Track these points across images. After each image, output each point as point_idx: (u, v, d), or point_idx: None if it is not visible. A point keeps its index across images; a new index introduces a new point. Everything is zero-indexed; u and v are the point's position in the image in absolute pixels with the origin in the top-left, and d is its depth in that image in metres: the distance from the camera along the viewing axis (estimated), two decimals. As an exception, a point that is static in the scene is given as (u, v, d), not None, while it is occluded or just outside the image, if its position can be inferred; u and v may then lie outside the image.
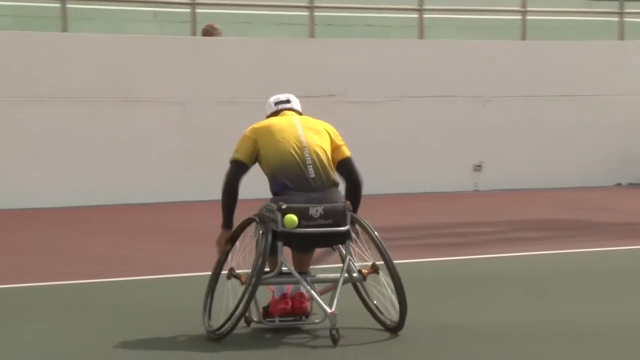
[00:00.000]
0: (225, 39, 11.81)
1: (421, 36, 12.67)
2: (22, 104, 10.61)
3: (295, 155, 4.92)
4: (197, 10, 11.76)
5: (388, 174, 11.89)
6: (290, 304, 4.97)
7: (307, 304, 5.02)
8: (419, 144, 12.28)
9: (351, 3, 13.20)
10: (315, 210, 4.81)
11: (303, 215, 4.77)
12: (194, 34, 11.63)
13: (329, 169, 4.96)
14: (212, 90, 11.45)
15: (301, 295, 4.98)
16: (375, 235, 4.92)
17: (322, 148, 4.97)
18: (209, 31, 11.92)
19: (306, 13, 12.25)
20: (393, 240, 9.67)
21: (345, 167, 5.03)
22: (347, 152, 5.04)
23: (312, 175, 4.91)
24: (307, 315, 5.01)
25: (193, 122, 11.68)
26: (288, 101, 5.20)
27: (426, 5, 12.70)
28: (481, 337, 5.37)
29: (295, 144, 4.95)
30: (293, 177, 4.90)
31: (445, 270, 7.99)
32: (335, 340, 4.65)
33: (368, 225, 4.92)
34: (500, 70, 12.81)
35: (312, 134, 5.01)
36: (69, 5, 11.13)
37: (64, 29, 11.06)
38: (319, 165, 4.93)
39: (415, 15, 12.89)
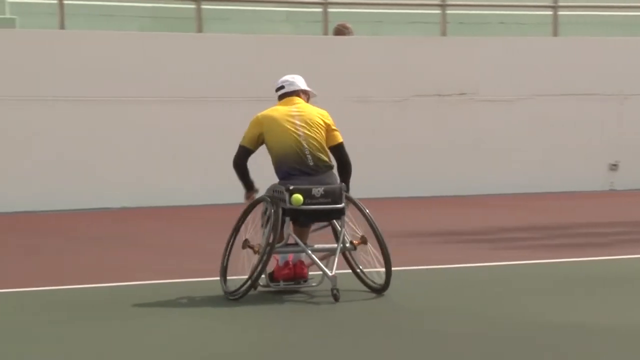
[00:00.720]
0: (356, 38, 11.70)
1: (555, 33, 12.26)
2: (158, 103, 10.71)
3: (295, 147, 5.82)
4: (330, 10, 11.69)
5: (519, 172, 11.58)
6: (292, 270, 5.83)
7: (306, 270, 5.88)
8: (553, 142, 11.84)
9: (484, 1, 12.88)
10: (317, 190, 5.70)
11: (307, 194, 5.65)
12: (326, 33, 11.56)
13: (324, 155, 5.88)
14: (344, 89, 11.36)
15: (301, 262, 5.85)
16: (367, 212, 5.82)
17: (316, 139, 5.86)
18: (341, 30, 11.83)
19: (438, 11, 12.01)
20: (529, 240, 9.51)
21: (337, 151, 5.96)
22: (339, 138, 5.96)
23: (311, 163, 5.83)
24: (305, 279, 5.89)
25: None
26: (286, 85, 6.16)
27: (561, 2, 12.32)
28: (626, 341, 5.15)
29: (294, 137, 5.83)
30: (295, 166, 5.81)
31: (585, 271, 7.67)
32: (336, 298, 5.52)
33: (359, 203, 5.82)
34: (637, 66, 12.31)
35: (307, 126, 5.87)
36: (204, 7, 11.20)
37: (199, 29, 11.11)
38: (315, 153, 5.84)
39: (550, 13, 12.50)
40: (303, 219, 5.81)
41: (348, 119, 11.56)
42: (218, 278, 6.00)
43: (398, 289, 6.03)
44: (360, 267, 5.93)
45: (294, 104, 6.05)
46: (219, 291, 6.01)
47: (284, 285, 5.85)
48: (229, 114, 10.73)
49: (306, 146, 5.84)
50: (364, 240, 5.83)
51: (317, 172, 5.84)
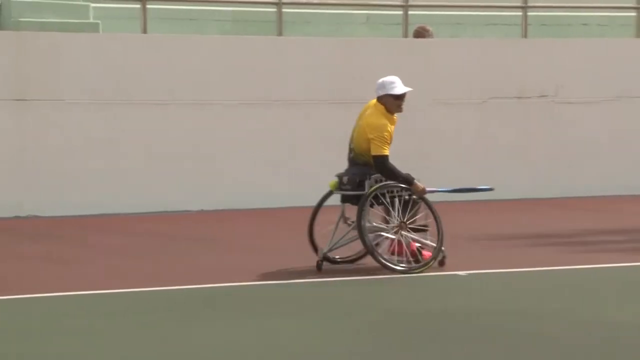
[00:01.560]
0: (437, 41, 11.55)
1: (638, 35, 12.02)
2: (239, 106, 10.74)
3: (349, 142, 7.13)
4: (410, 12, 11.57)
5: (600, 174, 11.37)
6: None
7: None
8: (636, 144, 11.69)
9: (566, 2, 12.58)
10: (343, 178, 6.97)
11: (339, 181, 7.00)
12: (406, 35, 11.46)
13: (361, 153, 6.96)
14: (425, 91, 11.05)
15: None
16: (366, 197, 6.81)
17: (358, 139, 6.98)
18: (420, 33, 11.67)
19: (519, 13, 11.83)
20: (619, 242, 9.21)
21: (370, 155, 6.89)
22: (374, 150, 6.83)
23: (351, 155, 7.09)
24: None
25: (407, 123, 11.17)
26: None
27: (643, 4, 11.97)
28: None
29: (352, 134, 7.11)
30: (348, 157, 7.14)
31: None
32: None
33: (366, 193, 6.79)
34: None
35: (358, 127, 7.02)
36: (285, 10, 11.18)
37: (280, 32, 11.08)
38: (355, 150, 7.03)
39: (634, 14, 12.25)
40: (341, 201, 7.10)
41: (431, 122, 11.45)
42: (306, 280, 6.39)
43: (497, 290, 6.14)
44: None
45: (368, 107, 7.13)
46: (320, 292, 6.22)
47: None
48: (308, 116, 10.88)
49: (352, 142, 7.09)
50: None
51: (352, 164, 7.05)
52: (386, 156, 6.82)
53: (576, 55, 11.52)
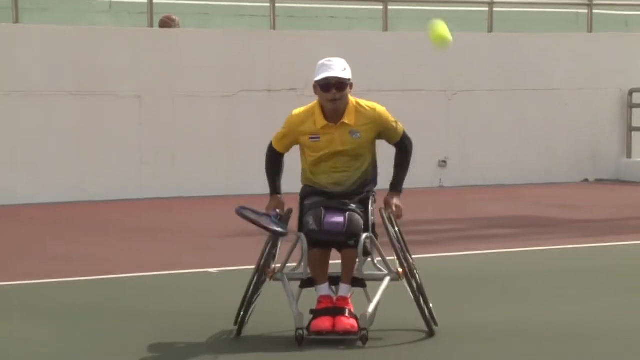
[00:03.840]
0: (183, 31, 11.93)
1: (386, 28, 12.81)
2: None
3: None
4: (155, 1, 11.82)
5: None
6: None
7: None
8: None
9: (315, -7, 13.30)
10: None
11: None
12: (151, 25, 11.70)
13: None
14: (170, 84, 11.58)
15: None
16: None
17: None
18: (166, 22, 11.98)
19: (267, 4, 12.36)
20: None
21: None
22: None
23: None
24: None
25: (151, 116, 11.94)
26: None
27: (390, -3, 12.99)
28: (460, 339, 5.64)
29: None
30: None
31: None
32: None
33: None
34: (467, 63, 12.95)
35: None
36: None
37: (16, 20, 11.10)
38: None
39: (380, 7, 13.07)
40: None
41: (174, 115, 12.03)
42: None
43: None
44: None
45: None
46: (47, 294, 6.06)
47: None
48: (47, 109, 11.14)
49: None
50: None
51: None
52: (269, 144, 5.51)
53: (324, 48, 12.14)
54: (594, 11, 14.71)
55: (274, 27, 12.19)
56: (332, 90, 5.13)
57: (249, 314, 5.19)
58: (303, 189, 5.38)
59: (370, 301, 5.16)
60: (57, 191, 11.33)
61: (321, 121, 5.20)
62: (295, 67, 12.03)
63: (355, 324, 5.06)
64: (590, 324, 6.31)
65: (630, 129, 14.37)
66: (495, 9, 14.01)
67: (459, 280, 7.67)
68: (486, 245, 9.45)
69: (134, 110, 11.68)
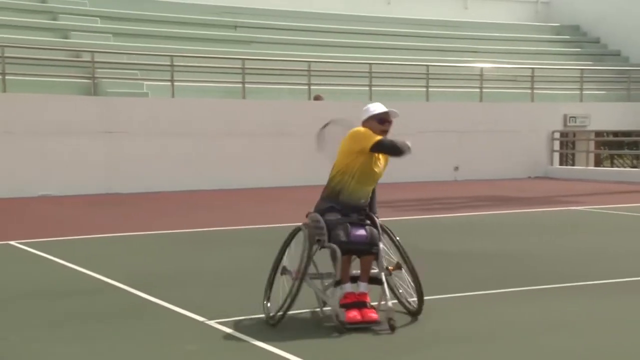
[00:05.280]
0: None
1: None
2: None
3: None
4: None
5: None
6: None
7: None
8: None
9: None
10: None
11: None
12: None
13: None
14: None
15: None
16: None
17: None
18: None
19: None
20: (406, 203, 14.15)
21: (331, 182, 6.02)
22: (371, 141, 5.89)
23: None
24: None
25: None
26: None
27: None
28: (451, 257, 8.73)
29: None
30: None
31: (454, 220, 11.88)
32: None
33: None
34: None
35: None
36: None
37: None
38: None
39: None
40: None
41: None
42: None
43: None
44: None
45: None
46: None
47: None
48: None
49: None
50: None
51: None
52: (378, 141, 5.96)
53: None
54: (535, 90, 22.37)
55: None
56: (386, 123, 5.84)
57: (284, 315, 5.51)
58: (322, 205, 5.77)
59: (385, 295, 5.49)
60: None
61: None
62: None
63: (376, 315, 5.49)
64: (532, 249, 8.59)
65: (552, 151, 22.98)
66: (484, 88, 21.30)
67: (458, 230, 10.30)
68: (477, 210, 13.14)
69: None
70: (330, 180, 5.83)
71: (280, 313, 5.59)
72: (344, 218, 5.68)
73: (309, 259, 5.58)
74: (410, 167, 19.10)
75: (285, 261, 5.86)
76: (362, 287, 5.69)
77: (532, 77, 23.14)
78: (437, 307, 6.14)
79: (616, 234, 10.83)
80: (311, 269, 5.71)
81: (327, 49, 22.73)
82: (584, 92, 23.99)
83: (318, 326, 5.62)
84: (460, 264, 8.24)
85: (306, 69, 19.81)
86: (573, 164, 24.56)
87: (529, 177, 21.83)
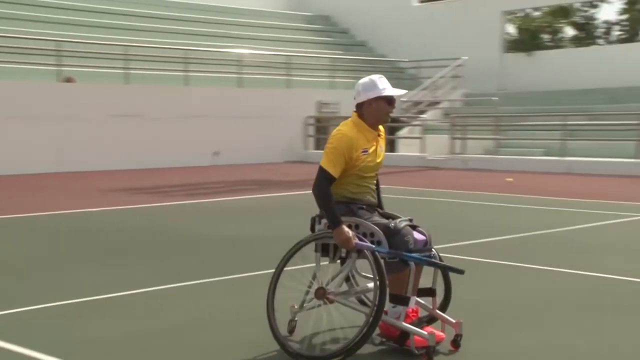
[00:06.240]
0: None
1: None
2: None
3: None
4: None
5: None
6: None
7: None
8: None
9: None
10: None
11: None
12: None
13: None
14: None
15: None
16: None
17: None
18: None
19: None
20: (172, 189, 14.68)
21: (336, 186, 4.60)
22: (322, 161, 4.57)
23: None
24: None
25: None
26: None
27: None
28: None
29: None
30: None
31: (207, 205, 12.29)
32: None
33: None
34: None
35: None
36: None
37: None
38: None
39: None
40: None
41: None
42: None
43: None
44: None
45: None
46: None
47: None
48: None
49: None
50: None
51: None
52: (323, 169, 4.49)
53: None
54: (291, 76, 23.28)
55: None
56: (393, 105, 4.59)
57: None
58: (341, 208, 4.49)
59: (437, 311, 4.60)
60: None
61: (370, 133, 4.58)
62: None
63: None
64: (295, 232, 7.79)
65: (307, 136, 23.98)
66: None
67: (220, 214, 10.74)
68: (238, 194, 13.58)
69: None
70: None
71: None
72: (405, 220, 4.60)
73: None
74: (168, 153, 19.95)
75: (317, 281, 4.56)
76: (413, 301, 4.60)
77: (287, 64, 23.79)
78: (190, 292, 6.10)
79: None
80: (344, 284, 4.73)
81: (79, 29, 22.21)
82: (335, 80, 25.08)
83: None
84: (225, 248, 8.25)
85: (55, 48, 19.11)
86: (327, 149, 25.36)
87: (287, 162, 22.81)
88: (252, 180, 16.76)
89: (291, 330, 4.68)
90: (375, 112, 4.59)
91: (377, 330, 4.61)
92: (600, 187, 15.35)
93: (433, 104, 25.43)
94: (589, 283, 6.60)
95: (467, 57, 25.80)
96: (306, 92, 23.95)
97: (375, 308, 4.25)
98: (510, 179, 16.25)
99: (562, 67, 26.26)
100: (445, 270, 4.61)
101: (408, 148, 22.74)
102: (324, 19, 31.64)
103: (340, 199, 4.53)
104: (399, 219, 4.58)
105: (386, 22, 29.93)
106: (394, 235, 4.44)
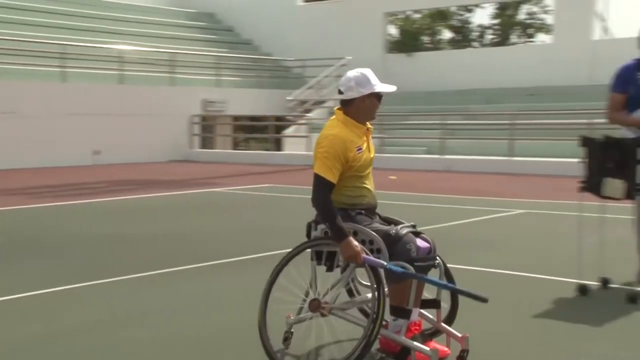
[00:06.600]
0: None
1: None
2: None
3: None
4: None
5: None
6: None
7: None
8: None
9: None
10: None
11: None
12: None
13: None
14: None
15: None
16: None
17: None
18: None
19: None
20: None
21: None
22: (315, 167, 4.28)
23: None
24: None
25: None
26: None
27: None
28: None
29: None
30: None
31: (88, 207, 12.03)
32: None
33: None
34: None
35: None
36: None
37: None
38: None
39: None
40: None
41: None
42: None
43: None
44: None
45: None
46: None
47: None
48: None
49: None
50: None
51: None
52: (320, 177, 4.21)
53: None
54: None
55: None
56: (380, 100, 4.39)
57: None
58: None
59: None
60: None
61: (360, 129, 4.35)
62: None
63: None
64: (171, 230, 9.44)
65: (192, 134, 23.82)
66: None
67: (101, 215, 10.90)
68: (119, 194, 13.15)
69: None
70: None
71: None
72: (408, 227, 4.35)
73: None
74: (43, 151, 19.31)
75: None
76: (415, 313, 4.30)
77: (171, 61, 23.59)
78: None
79: (250, 213, 11.29)
80: (343, 297, 4.38)
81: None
82: (221, 78, 24.98)
83: None
84: (107, 248, 8.18)
85: None
86: (213, 148, 25.42)
87: (171, 161, 22.64)
88: (135, 180, 16.50)
89: (286, 342, 4.40)
90: (368, 109, 4.35)
91: (377, 345, 4.34)
92: (477, 184, 15.69)
93: (319, 102, 25.66)
94: (464, 277, 6.59)
95: (351, 57, 26.10)
96: (191, 90, 23.84)
97: (372, 320, 3.93)
98: (394, 177, 16.48)
99: (441, 68, 26.87)
100: (464, 295, 4.10)
101: (294, 147, 22.89)
102: (208, 16, 31.47)
103: (337, 206, 4.20)
104: (401, 225, 4.29)
105: (271, 20, 30.00)
106: (395, 243, 4.15)
